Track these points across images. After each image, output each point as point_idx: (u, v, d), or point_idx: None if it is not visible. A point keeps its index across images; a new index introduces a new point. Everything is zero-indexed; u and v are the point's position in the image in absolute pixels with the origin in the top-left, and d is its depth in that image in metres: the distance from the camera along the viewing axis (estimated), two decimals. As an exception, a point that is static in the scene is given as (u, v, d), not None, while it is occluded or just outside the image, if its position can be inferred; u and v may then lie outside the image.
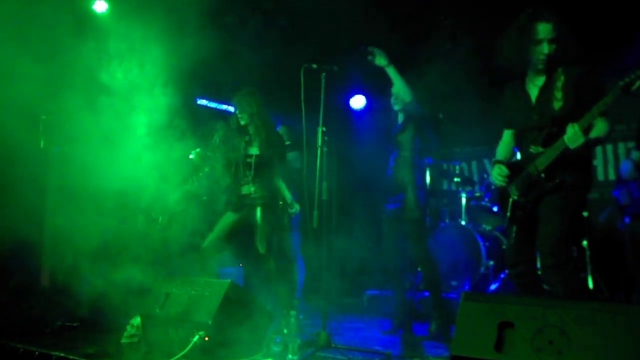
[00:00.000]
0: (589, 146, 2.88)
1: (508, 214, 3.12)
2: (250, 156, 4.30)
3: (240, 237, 4.41)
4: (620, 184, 4.96)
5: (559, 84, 2.91)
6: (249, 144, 4.35)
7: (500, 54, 3.02)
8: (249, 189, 4.30)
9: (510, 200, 3.11)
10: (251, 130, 4.35)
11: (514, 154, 3.49)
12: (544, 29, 2.86)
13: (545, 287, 3.08)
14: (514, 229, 3.08)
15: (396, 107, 4.26)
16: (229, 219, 4.33)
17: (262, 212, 4.24)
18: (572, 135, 2.77)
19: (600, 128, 2.84)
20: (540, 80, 3.01)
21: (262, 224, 4.22)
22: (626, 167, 4.45)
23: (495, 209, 5.54)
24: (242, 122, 4.34)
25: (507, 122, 3.26)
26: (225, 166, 4.43)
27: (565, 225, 2.89)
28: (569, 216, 2.93)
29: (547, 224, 2.89)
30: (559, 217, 2.88)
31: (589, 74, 2.90)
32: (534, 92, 3.04)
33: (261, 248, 4.19)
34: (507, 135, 3.29)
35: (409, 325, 4.13)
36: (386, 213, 4.25)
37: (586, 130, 2.79)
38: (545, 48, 2.87)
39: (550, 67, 2.95)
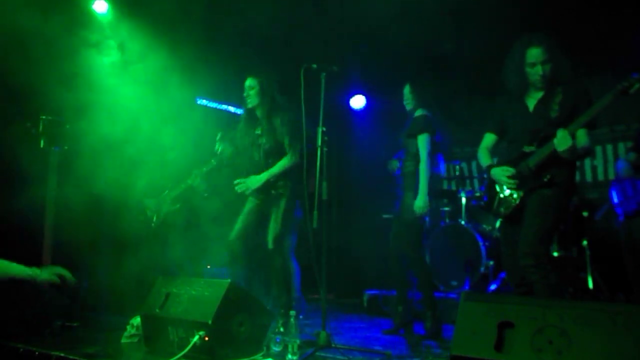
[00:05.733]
0: (577, 154, 3.04)
1: (494, 206, 3.32)
2: (262, 145, 4.11)
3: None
4: (616, 182, 4.99)
5: (557, 99, 3.14)
6: (260, 133, 4.13)
7: (504, 79, 3.29)
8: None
9: (497, 197, 3.30)
10: (259, 113, 4.14)
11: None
12: (534, 53, 3.13)
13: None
14: (498, 222, 3.25)
15: (408, 107, 4.22)
16: (249, 208, 4.12)
17: (278, 204, 4.05)
18: (561, 138, 2.94)
19: (580, 138, 3.03)
20: (539, 94, 3.24)
21: (276, 218, 4.03)
22: (622, 165, 4.49)
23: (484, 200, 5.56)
24: (250, 105, 4.13)
25: (494, 127, 3.45)
26: (240, 155, 4.23)
27: (548, 226, 3.06)
28: (553, 216, 3.09)
29: (530, 225, 3.06)
30: (542, 218, 3.05)
31: (584, 94, 3.12)
32: (531, 103, 3.26)
33: (270, 243, 4.01)
34: (489, 139, 3.47)
35: (411, 325, 4.14)
36: (394, 213, 4.30)
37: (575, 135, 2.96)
38: (539, 69, 3.13)
39: (549, 86, 3.18)
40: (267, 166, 4.09)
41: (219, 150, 4.31)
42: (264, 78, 4.10)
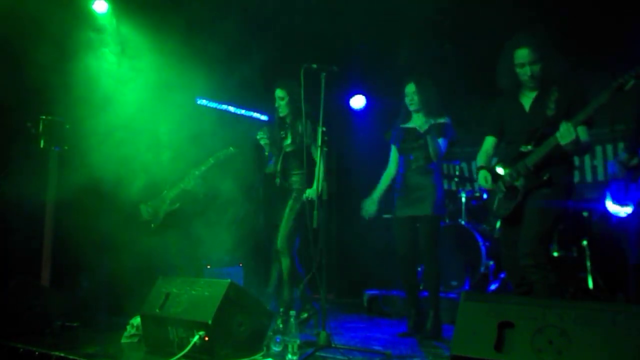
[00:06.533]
0: (578, 147, 3.02)
1: (494, 207, 3.33)
2: (284, 147, 4.33)
3: None
4: (610, 183, 4.99)
5: (553, 97, 3.13)
6: (284, 136, 4.36)
7: (497, 80, 3.31)
8: (286, 181, 4.33)
9: (497, 197, 3.32)
10: (288, 120, 4.37)
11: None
12: (522, 54, 3.14)
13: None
14: (498, 223, 3.31)
15: (412, 108, 4.11)
16: (285, 213, 4.32)
17: (292, 205, 4.24)
18: (565, 132, 2.93)
19: (579, 135, 3.00)
20: (534, 93, 3.24)
21: (288, 218, 4.23)
22: (612, 170, 4.46)
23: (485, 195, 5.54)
24: (281, 114, 4.36)
25: (493, 129, 3.46)
26: (272, 158, 4.44)
27: (547, 226, 3.06)
28: (553, 215, 3.09)
29: (530, 225, 3.07)
30: (541, 218, 3.05)
31: (580, 92, 3.13)
32: (527, 102, 3.26)
33: (279, 242, 4.21)
34: (489, 142, 3.49)
35: (422, 326, 4.06)
36: (397, 211, 4.14)
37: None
38: (527, 70, 3.14)
39: (543, 84, 3.18)
40: (287, 166, 4.33)
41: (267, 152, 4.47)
42: (292, 89, 4.28)
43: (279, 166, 4.37)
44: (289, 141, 4.34)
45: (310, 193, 4.17)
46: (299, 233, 4.32)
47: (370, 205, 4.25)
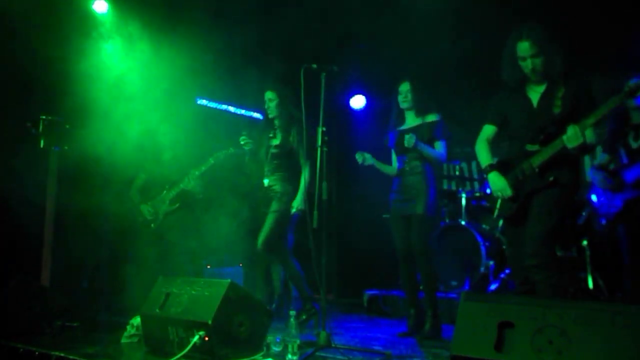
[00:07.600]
0: (585, 149, 3.02)
1: (497, 206, 3.29)
2: (271, 147, 4.37)
3: None
4: (595, 186, 4.96)
5: (559, 94, 3.09)
6: (273, 136, 4.41)
7: (502, 72, 3.27)
8: (269, 181, 4.35)
9: (500, 197, 3.27)
10: (277, 123, 4.41)
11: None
12: (523, 48, 3.10)
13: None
14: (501, 222, 3.29)
15: (404, 105, 4.14)
16: (267, 215, 4.34)
17: (274, 206, 4.27)
18: (572, 135, 2.91)
19: (586, 136, 2.98)
20: (542, 87, 3.19)
21: (269, 220, 4.24)
22: (596, 178, 4.38)
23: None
24: (270, 115, 4.41)
25: (494, 119, 3.40)
26: (254, 159, 4.47)
27: (552, 226, 3.03)
28: (558, 216, 3.06)
29: (534, 225, 3.05)
30: (546, 219, 3.03)
31: (586, 88, 3.10)
32: (535, 97, 3.21)
33: (259, 242, 4.23)
34: (489, 130, 3.42)
35: (422, 326, 4.05)
36: (393, 212, 4.16)
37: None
38: (529, 63, 3.10)
39: (548, 77, 3.14)
40: (272, 166, 4.35)
41: (247, 149, 4.45)
42: (282, 91, 4.34)
43: (266, 166, 4.38)
44: (277, 142, 4.35)
45: (296, 205, 4.20)
46: (287, 234, 4.36)
47: (369, 158, 4.20)
